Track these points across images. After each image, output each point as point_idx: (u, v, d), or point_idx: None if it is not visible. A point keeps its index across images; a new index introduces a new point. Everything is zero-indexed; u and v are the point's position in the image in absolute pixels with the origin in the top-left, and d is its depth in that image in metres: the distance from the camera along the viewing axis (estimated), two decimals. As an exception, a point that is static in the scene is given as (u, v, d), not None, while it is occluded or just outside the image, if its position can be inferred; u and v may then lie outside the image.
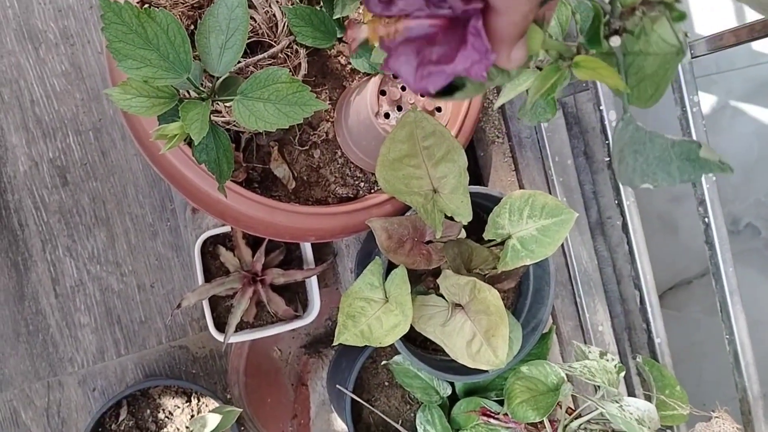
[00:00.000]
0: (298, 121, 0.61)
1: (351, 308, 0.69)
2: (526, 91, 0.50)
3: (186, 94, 0.67)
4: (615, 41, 0.38)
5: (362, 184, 0.87)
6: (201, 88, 0.64)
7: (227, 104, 0.72)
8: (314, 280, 0.94)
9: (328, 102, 0.86)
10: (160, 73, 0.61)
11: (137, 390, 0.98)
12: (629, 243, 0.81)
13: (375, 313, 0.69)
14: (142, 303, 1.10)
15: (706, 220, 0.71)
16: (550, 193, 0.91)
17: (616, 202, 0.81)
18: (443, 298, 0.73)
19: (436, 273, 0.77)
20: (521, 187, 0.95)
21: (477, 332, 0.69)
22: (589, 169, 0.96)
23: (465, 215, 0.69)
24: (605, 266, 0.97)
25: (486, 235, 0.73)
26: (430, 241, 0.76)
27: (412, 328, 0.71)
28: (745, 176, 1.44)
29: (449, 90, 0.34)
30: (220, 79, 0.65)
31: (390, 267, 0.75)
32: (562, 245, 0.97)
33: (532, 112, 0.51)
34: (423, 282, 0.81)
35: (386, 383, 0.93)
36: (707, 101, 1.44)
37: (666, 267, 1.42)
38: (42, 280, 1.07)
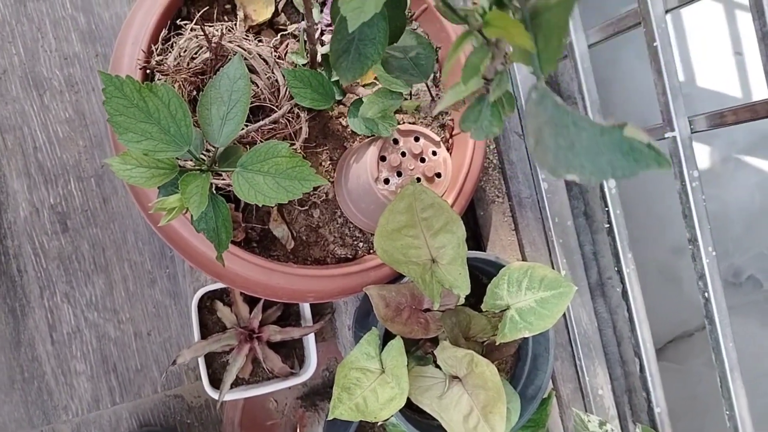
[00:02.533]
0: (297, 196, 0.60)
1: (346, 379, 0.68)
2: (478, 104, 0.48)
3: (188, 162, 0.67)
4: None
5: (361, 245, 0.87)
6: (201, 159, 0.64)
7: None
8: (311, 336, 0.94)
9: (329, 162, 0.86)
10: (161, 146, 0.61)
11: (131, 444, 0.97)
12: (629, 310, 0.80)
13: (371, 384, 0.69)
14: (139, 351, 1.10)
15: (706, 294, 0.71)
16: (550, 254, 0.90)
17: (616, 269, 0.81)
18: (440, 369, 0.72)
19: (435, 340, 0.77)
20: (521, 246, 0.94)
21: (474, 407, 0.68)
22: (589, 230, 0.96)
23: (463, 288, 0.69)
24: (605, 328, 0.96)
25: (484, 307, 0.73)
26: (428, 309, 0.75)
27: (408, 395, 0.70)
28: (748, 228, 1.44)
29: None
30: (221, 150, 0.65)
31: (387, 334, 0.74)
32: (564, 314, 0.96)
33: (477, 126, 0.48)
34: (421, 348, 0.80)
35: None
36: (710, 153, 1.44)
37: (667, 319, 1.41)
38: (39, 327, 1.07)
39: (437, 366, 0.73)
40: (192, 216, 0.64)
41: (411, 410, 0.83)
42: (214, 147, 0.65)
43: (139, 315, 1.10)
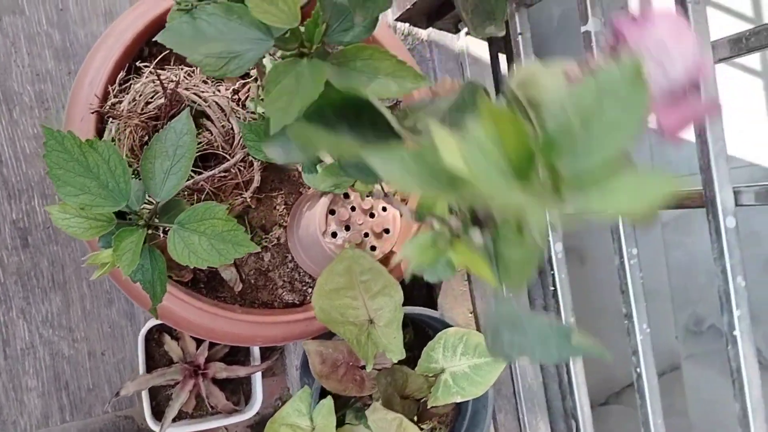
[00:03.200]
0: (228, 262, 0.61)
1: (274, 436, 0.69)
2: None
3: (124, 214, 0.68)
4: (476, 236, 0.39)
5: (310, 290, 0.87)
6: (139, 214, 0.64)
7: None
8: (258, 374, 0.94)
9: (283, 206, 0.87)
10: (98, 201, 0.61)
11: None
12: (569, 377, 0.81)
13: (298, 442, 0.70)
14: (92, 370, 1.10)
15: (638, 370, 0.72)
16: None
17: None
18: (370, 430, 0.73)
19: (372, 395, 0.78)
20: (472, 298, 0.95)
21: (399, 470, 0.69)
22: (540, 284, 0.96)
23: (396, 353, 0.70)
24: (551, 382, 0.97)
25: (418, 369, 0.73)
26: (365, 366, 0.76)
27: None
28: (710, 277, 1.45)
29: None
30: (161, 204, 0.65)
31: (323, 390, 0.75)
32: (510, 366, 0.97)
33: (430, 271, 0.50)
34: (360, 400, 0.81)
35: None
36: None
37: (622, 364, 1.42)
38: (-8, 342, 1.07)
39: (368, 427, 0.74)
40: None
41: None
42: (155, 201, 0.66)
43: (94, 334, 1.10)
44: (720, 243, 0.63)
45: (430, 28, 1.01)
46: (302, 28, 0.50)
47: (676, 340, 1.52)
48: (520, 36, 0.86)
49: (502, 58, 1.04)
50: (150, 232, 0.66)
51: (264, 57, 0.60)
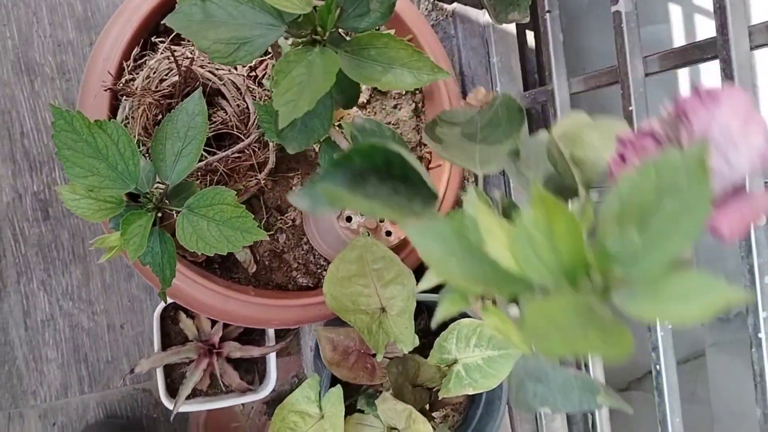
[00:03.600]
0: (237, 249, 0.60)
1: (283, 423, 0.69)
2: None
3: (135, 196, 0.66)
4: (513, 310, 0.38)
5: (324, 273, 0.86)
6: (148, 197, 0.63)
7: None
8: (273, 354, 0.94)
9: (300, 187, 0.85)
10: (107, 183, 0.60)
11: (90, 439, 0.98)
12: (587, 368, 0.79)
13: (307, 430, 0.69)
14: (111, 343, 1.11)
15: (657, 367, 0.69)
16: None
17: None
18: (380, 419, 0.72)
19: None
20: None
21: (408, 461, 0.68)
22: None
23: (407, 343, 0.68)
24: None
25: (430, 360, 0.72)
26: (376, 354, 0.75)
27: None
28: (739, 265, 1.41)
29: None
30: (172, 186, 0.64)
31: (334, 376, 0.74)
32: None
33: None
34: (372, 386, 0.80)
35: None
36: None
37: (644, 350, 1.39)
38: (13, 312, 1.08)
39: (377, 416, 0.73)
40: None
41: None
42: (165, 183, 0.64)
43: (113, 308, 1.11)
44: (748, 240, 0.60)
45: (455, 3, 0.97)
46: (316, 13, 0.48)
47: (701, 327, 1.49)
48: (548, 14, 0.82)
49: (530, 34, 1.01)
50: (161, 214, 0.65)
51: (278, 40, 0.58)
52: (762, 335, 0.58)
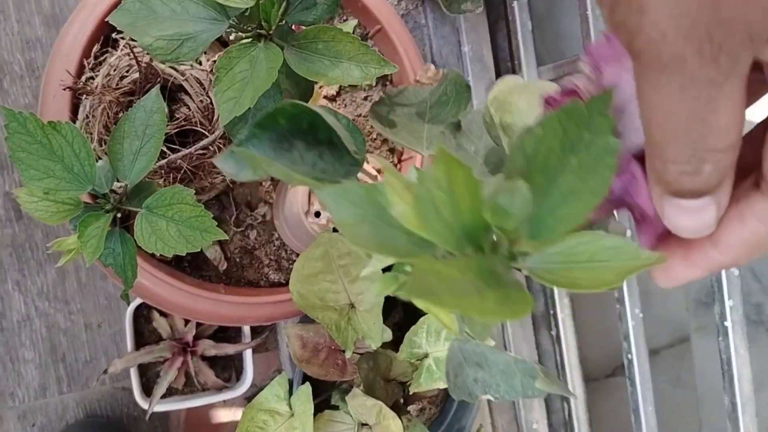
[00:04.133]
0: (196, 249, 0.59)
1: (252, 423, 0.68)
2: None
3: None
4: None
5: (297, 269, 0.85)
6: (106, 198, 0.62)
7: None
8: (249, 351, 0.93)
9: (269, 182, 0.85)
10: (63, 185, 0.59)
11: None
12: (561, 358, 0.79)
13: (277, 428, 0.68)
14: (89, 342, 1.10)
15: (629, 356, 0.69)
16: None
17: (552, 312, 0.79)
18: (351, 416, 0.72)
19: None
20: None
21: (379, 458, 0.68)
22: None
23: (375, 339, 0.68)
24: (547, 360, 0.95)
25: (401, 356, 0.71)
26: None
27: None
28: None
29: None
30: (131, 186, 0.63)
31: (305, 374, 0.73)
32: (503, 337, 0.95)
33: None
34: (346, 382, 0.79)
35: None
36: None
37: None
38: (-11, 313, 1.07)
39: (348, 412, 0.72)
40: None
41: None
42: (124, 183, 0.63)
43: (90, 307, 1.10)
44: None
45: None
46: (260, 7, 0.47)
47: (686, 312, 1.49)
48: (516, 2, 0.81)
49: (502, 24, 1.00)
50: (121, 215, 0.64)
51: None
52: (728, 323, 0.58)
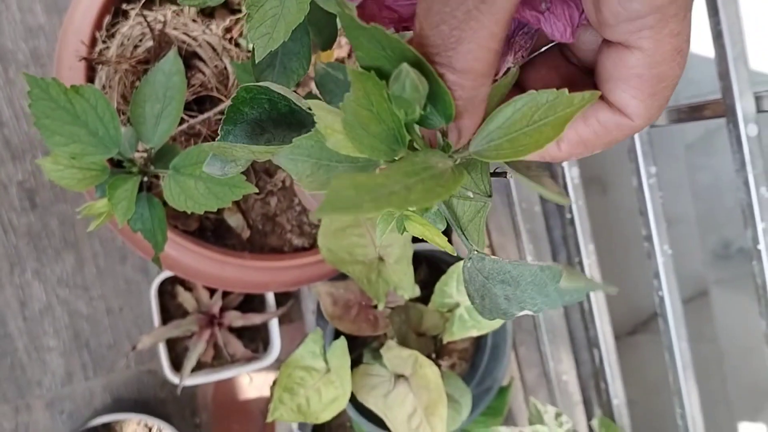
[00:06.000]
0: (226, 204, 0.59)
1: (290, 379, 0.68)
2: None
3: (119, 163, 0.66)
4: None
5: (319, 233, 0.85)
6: (132, 161, 0.62)
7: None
8: (275, 320, 0.93)
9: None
10: (89, 149, 0.59)
11: (100, 424, 0.98)
12: (590, 307, 0.79)
13: (315, 384, 0.68)
14: (111, 327, 1.10)
15: (660, 293, 0.69)
16: (517, 240, 0.89)
17: (577, 260, 0.79)
18: (386, 368, 0.72)
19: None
20: (488, 232, 0.93)
21: (418, 407, 0.68)
22: (558, 213, 0.93)
23: (407, 289, 0.68)
24: (573, 312, 0.95)
25: (431, 306, 0.71)
26: (377, 305, 0.74)
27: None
28: (736, 196, 1.40)
29: None
30: (155, 149, 0.63)
31: (337, 331, 0.74)
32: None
33: None
34: (377, 339, 0.79)
35: (348, 424, 0.93)
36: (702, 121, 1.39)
37: (648, 292, 1.39)
38: (10, 303, 1.07)
39: (383, 365, 0.72)
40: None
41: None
42: (148, 147, 0.63)
43: (110, 291, 1.10)
44: (741, 153, 0.60)
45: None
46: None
47: (702, 266, 1.49)
48: None
49: None
50: (147, 179, 0.64)
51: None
52: (761, 246, 0.58)
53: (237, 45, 0.77)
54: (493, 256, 0.36)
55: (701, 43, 1.30)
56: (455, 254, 0.40)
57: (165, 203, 0.64)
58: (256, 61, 0.42)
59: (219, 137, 0.39)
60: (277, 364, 1.10)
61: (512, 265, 0.35)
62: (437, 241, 0.35)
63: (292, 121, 0.38)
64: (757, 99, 0.58)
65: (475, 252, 0.37)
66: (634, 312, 1.48)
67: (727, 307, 1.48)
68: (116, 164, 0.65)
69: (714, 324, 1.49)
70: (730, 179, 1.39)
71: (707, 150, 1.43)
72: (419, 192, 0.23)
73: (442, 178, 0.24)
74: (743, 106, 0.58)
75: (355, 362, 0.76)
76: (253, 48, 0.43)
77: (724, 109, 0.59)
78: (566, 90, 0.26)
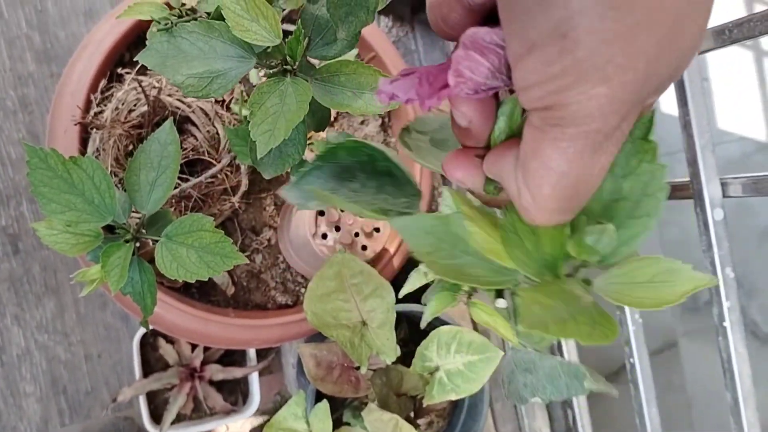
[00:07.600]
0: (217, 274, 0.61)
1: (272, 441, 0.70)
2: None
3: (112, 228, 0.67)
4: (500, 303, 0.39)
5: (303, 290, 0.87)
6: (125, 228, 0.64)
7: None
8: (255, 374, 0.95)
9: (272, 207, 0.87)
10: (84, 217, 0.61)
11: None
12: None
13: (296, 446, 0.70)
14: (89, 373, 1.10)
15: (631, 360, 0.72)
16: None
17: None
18: (367, 430, 0.73)
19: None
20: (465, 290, 0.95)
21: (397, 470, 0.70)
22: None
23: (389, 354, 0.70)
24: (546, 369, 0.98)
25: (413, 369, 0.74)
26: (359, 367, 0.76)
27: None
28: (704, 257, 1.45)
29: None
30: (148, 216, 0.65)
31: (319, 393, 0.75)
32: (504, 344, 0.97)
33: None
34: (357, 399, 0.81)
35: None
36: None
37: (618, 343, 1.42)
38: (-12, 348, 1.07)
39: (364, 427, 0.74)
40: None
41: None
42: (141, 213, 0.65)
43: (89, 338, 1.10)
44: (708, 236, 0.63)
45: (415, 20, 1.00)
46: (285, 44, 0.49)
47: (672, 318, 1.53)
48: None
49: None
50: (138, 244, 0.65)
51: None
52: (726, 324, 0.61)
53: (228, 109, 0.79)
54: (528, 348, 0.40)
55: (669, 102, 1.35)
56: (521, 347, 0.44)
57: (153, 261, 0.65)
58: (258, 158, 0.45)
59: (304, 169, 0.40)
60: (257, 414, 1.11)
61: (539, 357, 0.39)
62: (503, 333, 0.37)
63: (385, 180, 0.39)
64: (723, 185, 0.62)
65: (521, 345, 0.41)
66: (605, 362, 1.51)
67: (695, 358, 1.53)
68: (109, 228, 0.66)
69: (683, 374, 1.53)
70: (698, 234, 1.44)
71: (676, 209, 1.47)
72: (585, 326, 0.25)
73: (595, 316, 0.27)
74: (710, 191, 0.62)
75: (336, 422, 0.77)
76: (254, 143, 0.46)
77: (692, 192, 0.63)
78: (688, 267, 0.29)
